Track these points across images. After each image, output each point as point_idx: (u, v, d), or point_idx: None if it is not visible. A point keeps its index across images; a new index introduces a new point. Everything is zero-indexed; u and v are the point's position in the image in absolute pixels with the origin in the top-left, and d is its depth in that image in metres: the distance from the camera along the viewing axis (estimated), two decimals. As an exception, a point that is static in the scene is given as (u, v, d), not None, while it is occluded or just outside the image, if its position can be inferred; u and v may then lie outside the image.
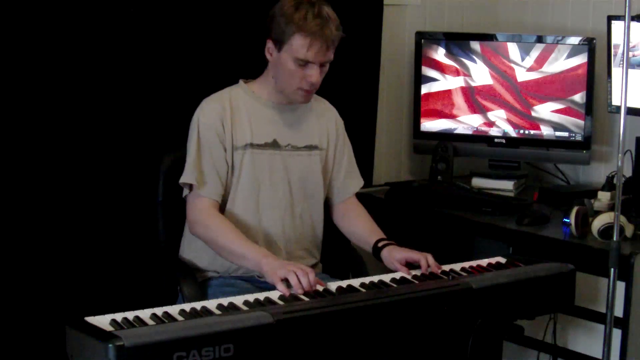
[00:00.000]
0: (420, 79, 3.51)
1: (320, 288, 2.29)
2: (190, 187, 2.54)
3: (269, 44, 2.53)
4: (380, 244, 2.59)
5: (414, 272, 2.45)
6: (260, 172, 2.57)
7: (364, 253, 2.79)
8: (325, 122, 2.71)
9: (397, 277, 2.41)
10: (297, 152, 2.63)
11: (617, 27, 3.07)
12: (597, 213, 2.80)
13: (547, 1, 3.60)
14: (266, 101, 2.61)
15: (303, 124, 2.66)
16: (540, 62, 3.35)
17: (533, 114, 3.40)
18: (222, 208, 2.56)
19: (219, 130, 2.54)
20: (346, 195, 2.76)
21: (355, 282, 2.35)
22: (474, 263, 2.53)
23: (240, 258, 2.45)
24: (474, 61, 3.44)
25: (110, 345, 1.80)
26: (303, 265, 2.34)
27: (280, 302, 2.19)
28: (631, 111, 2.82)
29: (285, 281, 2.28)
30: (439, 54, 3.48)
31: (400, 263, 2.49)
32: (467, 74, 3.46)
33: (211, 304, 2.15)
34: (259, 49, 2.56)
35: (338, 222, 2.77)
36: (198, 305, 2.13)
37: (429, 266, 2.46)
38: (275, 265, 2.33)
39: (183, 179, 2.54)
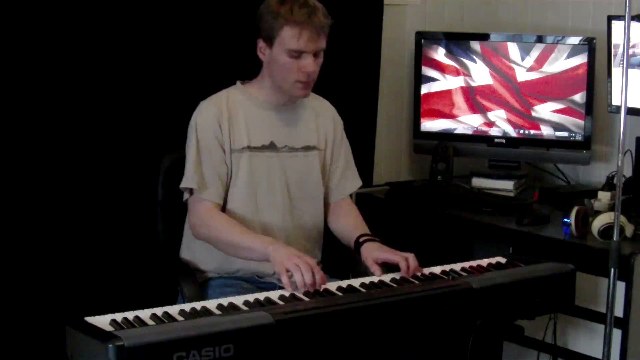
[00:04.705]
0: (420, 79, 3.51)
1: (322, 287, 2.28)
2: (191, 191, 2.54)
3: (260, 43, 2.53)
4: (361, 239, 2.57)
5: (391, 275, 2.41)
6: (258, 174, 2.57)
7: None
8: (323, 121, 2.70)
9: (397, 277, 2.40)
10: (295, 153, 2.62)
11: (617, 27, 3.07)
12: (597, 213, 2.80)
13: (547, 1, 3.60)
14: (263, 102, 2.60)
15: (300, 125, 2.65)
16: (540, 62, 3.35)
17: (533, 114, 3.40)
18: (221, 210, 2.56)
19: (217, 133, 2.54)
20: (340, 197, 2.74)
21: (355, 282, 2.35)
22: (474, 263, 2.53)
23: (246, 250, 2.43)
24: (474, 61, 3.44)
25: (110, 345, 1.80)
26: (310, 259, 2.31)
27: (280, 302, 2.18)
28: (631, 111, 2.82)
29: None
30: (439, 54, 3.48)
31: (376, 263, 2.45)
32: (467, 74, 3.46)
33: (211, 304, 2.14)
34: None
35: (327, 221, 2.74)
36: (198, 305, 2.13)
37: (409, 268, 2.40)
38: (283, 254, 2.31)
39: (184, 184, 2.53)
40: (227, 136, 2.54)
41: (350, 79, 3.33)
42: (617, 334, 2.59)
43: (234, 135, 2.55)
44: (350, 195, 2.79)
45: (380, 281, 2.38)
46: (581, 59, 3.28)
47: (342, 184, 2.74)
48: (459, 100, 3.49)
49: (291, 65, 2.48)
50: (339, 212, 2.73)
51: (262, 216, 2.57)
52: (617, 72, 3.11)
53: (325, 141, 2.70)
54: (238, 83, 2.65)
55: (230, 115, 2.56)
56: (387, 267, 2.47)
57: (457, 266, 2.50)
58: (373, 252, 2.49)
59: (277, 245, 2.38)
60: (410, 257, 2.42)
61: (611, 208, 2.79)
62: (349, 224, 2.69)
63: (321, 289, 2.27)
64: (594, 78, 3.28)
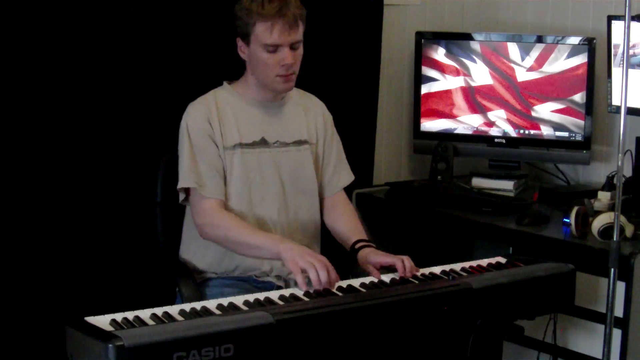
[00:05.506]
0: (420, 79, 3.51)
1: (335, 286, 2.28)
2: (188, 191, 2.54)
3: (239, 43, 2.55)
4: (357, 245, 2.57)
5: (391, 276, 2.41)
6: (250, 171, 2.57)
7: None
8: (312, 116, 2.70)
9: (397, 277, 2.40)
10: (286, 148, 2.63)
11: (617, 27, 3.07)
12: (597, 213, 2.80)
13: (547, 1, 3.60)
14: (251, 100, 2.61)
15: (290, 120, 2.65)
16: (540, 62, 3.35)
17: (533, 114, 3.40)
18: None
19: (209, 131, 2.54)
20: (334, 190, 2.74)
21: (355, 282, 2.35)
22: (474, 263, 2.53)
23: (256, 249, 2.43)
24: (474, 61, 3.44)
25: (110, 345, 1.80)
26: (323, 257, 2.31)
27: (280, 302, 2.18)
28: (631, 111, 2.82)
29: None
30: (439, 54, 3.48)
31: (375, 267, 2.46)
32: (467, 74, 3.46)
33: (211, 304, 2.14)
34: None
35: (324, 218, 2.74)
36: (198, 305, 2.13)
37: (405, 268, 2.40)
38: (295, 253, 2.32)
39: (181, 184, 2.53)
40: (218, 134, 2.55)
41: (350, 78, 3.33)
42: (617, 334, 2.59)
43: (225, 133, 2.55)
44: (350, 195, 2.79)
45: (380, 281, 2.38)
46: (581, 59, 3.28)
47: (336, 178, 2.74)
48: (459, 100, 3.48)
49: (269, 60, 2.49)
50: (335, 210, 2.73)
51: (258, 212, 2.57)
52: (617, 72, 3.11)
53: (316, 136, 2.70)
54: (225, 83, 2.65)
55: (220, 113, 2.56)
56: (384, 270, 2.47)
57: (457, 266, 2.50)
58: (369, 258, 2.49)
59: (287, 244, 2.38)
60: (406, 258, 2.43)
61: (611, 208, 2.79)
62: (345, 226, 2.68)
63: (334, 288, 2.27)
64: (594, 78, 3.28)
